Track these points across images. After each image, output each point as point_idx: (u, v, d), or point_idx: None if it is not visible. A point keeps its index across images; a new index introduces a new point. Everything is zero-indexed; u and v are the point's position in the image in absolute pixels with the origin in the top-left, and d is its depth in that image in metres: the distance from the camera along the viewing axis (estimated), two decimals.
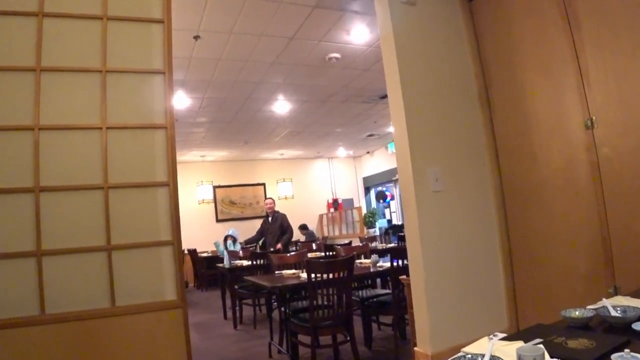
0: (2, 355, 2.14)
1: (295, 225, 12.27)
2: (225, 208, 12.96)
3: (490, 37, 3.38)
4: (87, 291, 2.30)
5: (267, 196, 7.93)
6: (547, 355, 1.18)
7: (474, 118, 3.37)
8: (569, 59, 2.77)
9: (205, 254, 11.04)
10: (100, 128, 2.39)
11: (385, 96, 7.58)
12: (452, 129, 3.27)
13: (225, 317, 6.51)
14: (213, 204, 12.78)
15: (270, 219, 7.85)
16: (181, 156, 11.82)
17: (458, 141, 3.28)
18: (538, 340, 1.39)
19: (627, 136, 2.49)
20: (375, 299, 4.34)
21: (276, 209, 8.11)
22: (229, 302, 6.24)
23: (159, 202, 2.44)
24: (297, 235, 12.15)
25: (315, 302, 3.61)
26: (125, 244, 2.36)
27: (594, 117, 2.65)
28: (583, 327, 1.56)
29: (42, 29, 2.39)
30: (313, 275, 3.52)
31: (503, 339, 1.44)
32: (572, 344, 1.33)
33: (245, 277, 5.34)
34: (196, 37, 5.26)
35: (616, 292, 2.48)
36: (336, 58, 6.31)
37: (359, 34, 5.62)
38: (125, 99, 2.47)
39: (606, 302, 1.62)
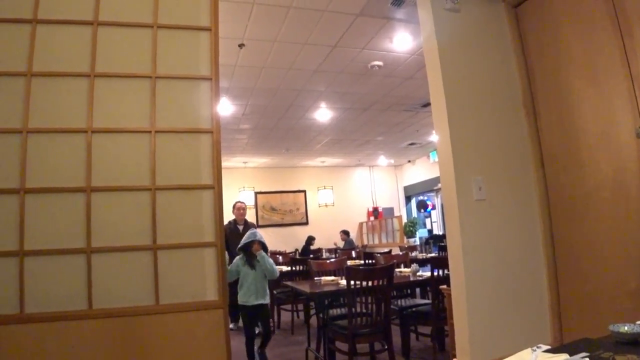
0: (52, 346, 2.23)
1: (337, 230, 12.30)
2: (266, 214, 13.12)
3: (536, 43, 3.31)
4: (133, 288, 2.37)
5: (241, 201, 6.62)
6: None
7: (519, 126, 3.30)
8: (619, 65, 2.68)
9: None
10: (150, 132, 2.48)
11: (427, 104, 7.53)
12: (496, 137, 3.21)
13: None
14: (254, 210, 12.94)
15: (241, 227, 6.17)
16: (224, 162, 11.95)
17: (502, 149, 3.22)
18: (584, 354, 1.35)
19: None
20: (414, 309, 4.29)
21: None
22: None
23: (203, 204, 2.51)
24: (337, 241, 12.15)
25: (353, 309, 3.60)
26: (170, 244, 2.43)
27: None
28: (632, 342, 1.50)
29: (97, 37, 2.50)
30: (352, 283, 3.52)
31: (547, 351, 1.41)
32: (620, 359, 1.29)
33: (284, 282, 5.38)
34: (241, 45, 5.38)
35: None
36: (378, 66, 6.31)
37: (401, 41, 5.62)
38: (173, 104, 2.55)
39: None
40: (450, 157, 3.00)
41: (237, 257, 4.39)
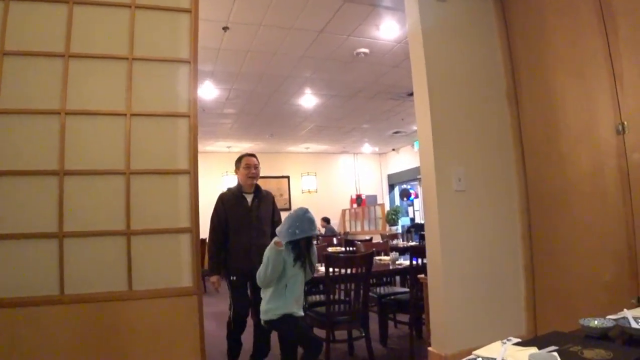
0: (23, 332, 2.20)
1: (320, 217, 12.29)
2: None
3: (522, 36, 3.30)
4: (106, 274, 2.34)
5: (251, 154, 3.94)
6: None
7: (502, 118, 3.30)
8: (603, 61, 2.68)
9: None
10: (125, 115, 2.42)
11: (413, 93, 7.51)
12: (478, 128, 3.21)
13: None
14: None
15: (249, 197, 3.74)
16: (207, 146, 11.94)
17: (484, 141, 3.22)
18: (553, 347, 1.35)
19: None
20: (393, 297, 4.31)
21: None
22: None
23: (179, 189, 2.47)
24: (319, 228, 12.16)
25: (332, 296, 3.61)
26: (145, 230, 2.40)
27: (625, 122, 2.56)
28: (602, 337, 1.51)
29: (73, 16, 2.43)
30: (331, 270, 3.51)
31: (517, 344, 1.41)
32: (589, 354, 1.29)
33: None
34: (225, 29, 5.29)
35: (639, 303, 2.40)
36: (365, 53, 6.26)
37: (388, 29, 5.57)
38: (151, 87, 2.50)
39: (627, 313, 1.57)
40: (430, 147, 2.99)
41: (278, 249, 2.66)
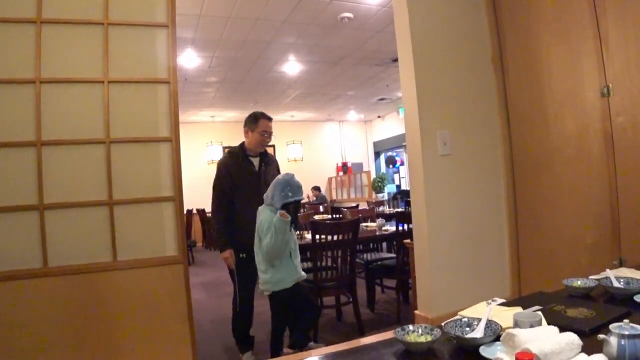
0: (6, 306, 2.17)
1: (306, 185, 12.28)
2: None
3: None
4: (89, 245, 2.31)
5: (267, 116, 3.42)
6: (544, 322, 1.16)
7: (487, 82, 3.28)
8: (588, 23, 2.65)
9: None
10: (102, 82, 2.35)
11: (397, 59, 7.44)
12: (464, 92, 3.18)
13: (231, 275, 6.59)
14: None
15: (255, 160, 3.39)
16: (191, 116, 11.79)
17: (469, 105, 3.20)
18: (537, 307, 1.37)
19: None
20: (379, 263, 4.36)
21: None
22: None
23: (161, 158, 2.43)
24: (309, 196, 12.19)
25: (319, 263, 3.63)
26: (127, 199, 2.36)
27: (610, 85, 2.55)
28: (584, 296, 1.54)
29: None
30: (318, 237, 3.52)
31: (502, 304, 1.42)
32: (572, 312, 1.31)
33: None
34: None
35: (621, 264, 2.44)
36: (349, 18, 6.15)
37: None
38: (128, 53, 2.42)
39: (609, 273, 1.59)
40: (415, 111, 2.97)
41: (285, 220, 2.64)
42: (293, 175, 2.77)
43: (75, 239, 2.29)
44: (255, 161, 3.34)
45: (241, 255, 3.14)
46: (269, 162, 3.43)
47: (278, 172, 3.47)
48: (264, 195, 2.78)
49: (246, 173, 3.26)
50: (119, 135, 2.36)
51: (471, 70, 3.23)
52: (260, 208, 2.80)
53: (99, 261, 2.31)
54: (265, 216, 2.69)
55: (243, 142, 3.38)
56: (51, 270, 2.24)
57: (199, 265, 8.50)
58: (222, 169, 3.26)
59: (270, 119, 3.40)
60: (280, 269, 2.71)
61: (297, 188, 2.76)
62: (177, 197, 2.43)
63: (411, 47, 2.98)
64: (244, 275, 3.17)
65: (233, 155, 3.34)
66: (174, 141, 2.43)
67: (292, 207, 2.73)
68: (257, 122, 3.32)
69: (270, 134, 3.37)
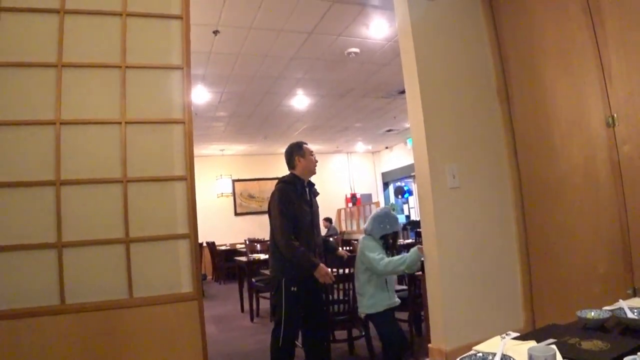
0: (24, 343, 2.20)
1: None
2: (244, 202, 13.05)
3: (510, 31, 3.33)
4: (106, 282, 2.34)
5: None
6: (559, 356, 1.18)
7: (493, 113, 3.33)
8: (591, 55, 2.72)
9: (223, 247, 11.12)
10: (120, 123, 2.43)
11: (404, 91, 7.53)
12: (470, 124, 3.24)
13: (242, 310, 6.56)
14: (232, 198, 12.86)
15: (309, 189, 3.34)
16: (201, 150, 11.92)
17: (476, 137, 3.24)
18: (551, 340, 1.38)
19: None
20: None
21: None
22: (246, 295, 6.28)
23: (176, 195, 2.48)
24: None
25: (331, 296, 3.62)
26: (143, 237, 2.40)
27: (615, 115, 2.59)
28: (598, 328, 1.54)
29: (64, 26, 2.43)
30: (330, 269, 3.53)
31: (516, 338, 1.44)
32: (586, 345, 1.32)
33: (262, 271, 5.38)
34: (215, 32, 5.29)
35: (635, 294, 2.43)
36: (355, 53, 6.28)
37: (378, 28, 5.59)
38: (144, 94, 2.50)
39: (623, 304, 1.60)
40: (424, 144, 3.02)
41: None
42: (390, 209, 3.23)
43: (92, 277, 2.33)
44: (307, 191, 3.31)
45: (292, 288, 3.04)
46: (314, 194, 3.38)
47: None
48: (364, 227, 3.25)
49: (304, 204, 3.18)
50: (136, 174, 2.42)
51: (477, 103, 3.29)
52: (361, 239, 3.23)
53: (116, 298, 2.34)
54: (369, 244, 3.14)
55: (292, 174, 3.29)
56: (68, 307, 2.27)
57: (210, 298, 8.47)
58: (285, 198, 3.10)
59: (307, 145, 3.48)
60: (376, 292, 3.11)
61: (394, 221, 3.21)
62: (193, 234, 2.47)
63: (418, 82, 3.06)
64: (294, 309, 3.07)
65: (290, 183, 3.22)
66: (189, 179, 2.49)
67: (391, 237, 3.19)
68: (301, 148, 3.34)
69: (313, 154, 3.40)
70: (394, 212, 3.17)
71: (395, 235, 3.24)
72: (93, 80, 2.45)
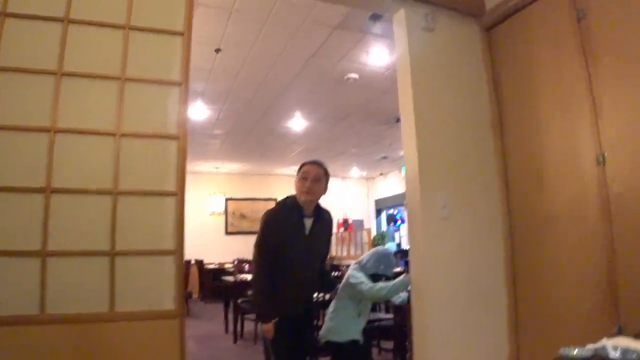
0: (2, 351, 2.15)
1: None
2: (236, 221, 13.00)
3: (507, 66, 3.38)
4: (88, 294, 2.31)
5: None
6: None
7: (487, 146, 3.35)
8: (584, 93, 2.76)
9: (212, 266, 11.04)
10: (115, 134, 2.43)
11: None
12: (464, 156, 3.26)
13: (226, 330, 6.49)
14: (224, 216, 12.82)
15: (308, 220, 2.96)
16: (195, 166, 11.93)
17: (469, 168, 3.26)
18: None
19: (638, 174, 2.46)
20: (376, 323, 4.30)
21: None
22: (231, 315, 6.22)
23: (165, 211, 2.46)
24: None
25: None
26: (129, 251, 2.38)
27: (606, 153, 2.62)
28: None
29: (67, 35, 2.44)
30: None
31: None
32: None
33: (249, 292, 5.33)
34: (217, 50, 5.36)
35: (620, 332, 2.42)
36: (354, 78, 6.36)
37: (378, 56, 5.68)
38: (141, 108, 2.50)
39: (606, 343, 1.59)
40: (416, 173, 3.03)
41: (363, 274, 3.01)
42: (393, 252, 3.18)
43: (75, 288, 2.29)
44: (308, 223, 2.92)
45: (274, 320, 2.82)
46: (323, 225, 3.00)
47: (330, 230, 3.18)
48: (360, 258, 3.13)
49: (296, 237, 2.86)
50: (127, 186, 2.41)
51: (471, 134, 3.31)
52: (351, 267, 3.12)
53: (96, 311, 2.30)
54: (357, 274, 3.05)
55: (293, 196, 2.99)
56: (48, 317, 2.23)
57: (194, 317, 8.38)
58: (270, 224, 2.88)
59: (315, 163, 3.04)
60: (344, 321, 3.00)
61: (390, 265, 3.13)
62: (179, 251, 2.45)
63: (413, 113, 3.09)
64: (279, 343, 2.83)
65: (284, 208, 2.96)
66: (179, 196, 2.48)
67: (381, 279, 3.07)
68: (300, 168, 3.05)
69: (314, 177, 2.93)
70: (394, 259, 3.13)
71: (386, 279, 3.14)
72: (91, 90, 2.45)
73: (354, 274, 3.00)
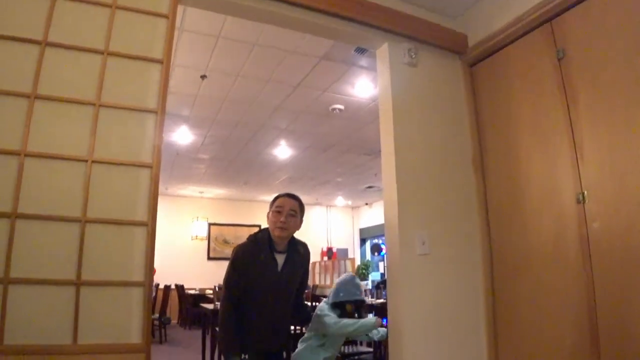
0: None
1: None
2: (218, 246, 12.86)
3: (489, 103, 3.40)
4: (50, 325, 2.20)
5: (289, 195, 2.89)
6: None
7: (467, 182, 3.35)
8: (564, 131, 2.78)
9: (192, 291, 10.85)
10: (86, 161, 2.37)
11: None
12: (444, 191, 3.25)
13: (203, 359, 6.32)
14: (206, 242, 12.66)
15: (277, 252, 2.79)
16: (179, 190, 11.83)
17: (449, 204, 3.25)
18: None
19: (618, 213, 2.46)
20: (357, 357, 4.22)
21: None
22: (209, 344, 6.07)
23: (135, 241, 2.38)
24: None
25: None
26: (96, 281, 2.29)
27: (585, 192, 2.63)
28: None
29: (44, 57, 2.40)
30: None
31: None
32: None
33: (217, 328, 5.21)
34: (203, 77, 5.35)
35: None
36: (340, 109, 6.39)
37: (363, 88, 5.72)
38: (115, 135, 2.45)
39: None
40: (395, 208, 3.00)
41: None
42: (354, 276, 2.92)
43: (36, 318, 2.19)
44: (280, 259, 2.77)
45: (243, 356, 2.69)
46: (296, 258, 2.85)
47: (307, 265, 3.04)
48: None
49: (266, 273, 2.72)
50: (96, 214, 2.33)
51: (452, 170, 3.31)
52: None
53: (58, 343, 2.20)
54: (323, 307, 2.84)
55: (266, 229, 2.84)
56: (6, 348, 2.13)
57: (171, 343, 8.19)
58: (238, 263, 2.76)
59: (291, 196, 2.88)
60: (304, 351, 2.79)
61: (352, 289, 2.83)
62: (147, 282, 2.37)
63: (393, 146, 3.08)
64: None
65: (254, 245, 2.79)
66: (150, 226, 2.41)
67: (351, 307, 2.80)
68: (274, 200, 2.87)
69: (290, 211, 2.77)
70: (357, 281, 2.87)
71: (357, 306, 2.83)
72: (65, 114, 2.39)
73: (321, 306, 2.90)
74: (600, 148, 2.59)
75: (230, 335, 2.66)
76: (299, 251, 2.90)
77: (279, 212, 2.76)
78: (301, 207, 2.87)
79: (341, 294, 2.82)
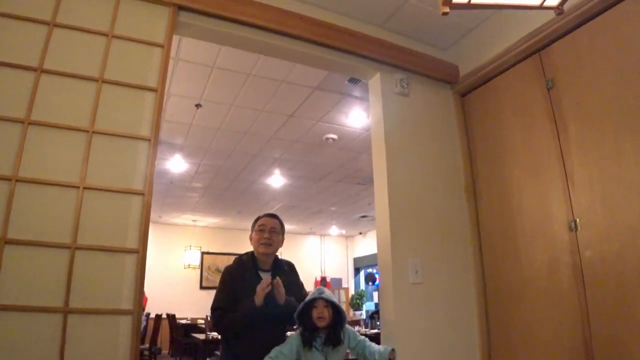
0: None
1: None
2: (211, 275, 12.72)
3: (480, 132, 3.44)
4: (35, 355, 2.16)
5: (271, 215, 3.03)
6: None
7: (460, 211, 3.36)
8: (555, 160, 2.81)
9: (184, 321, 10.69)
10: (78, 187, 2.36)
11: None
12: (437, 219, 3.25)
13: None
14: (199, 270, 12.53)
15: (262, 270, 2.86)
16: (173, 218, 11.77)
17: (442, 232, 3.25)
18: None
19: (610, 240, 2.47)
20: None
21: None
22: None
23: (125, 268, 2.36)
24: None
25: None
26: (83, 309, 2.25)
27: (577, 220, 2.64)
28: None
29: (39, 84, 2.42)
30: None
31: None
32: None
33: (216, 352, 5.13)
34: (198, 106, 5.38)
35: None
36: (333, 139, 6.43)
37: (356, 117, 5.77)
38: (107, 161, 2.45)
39: None
40: (388, 237, 3.00)
41: (294, 334, 2.63)
42: (323, 291, 2.70)
43: (22, 347, 2.15)
44: (266, 277, 2.74)
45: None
46: (282, 277, 2.76)
47: (297, 278, 3.02)
48: None
49: (251, 288, 2.66)
50: (86, 241, 2.31)
51: (445, 198, 3.32)
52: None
53: None
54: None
55: (251, 252, 2.91)
56: None
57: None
58: (225, 282, 2.78)
59: (272, 216, 2.97)
60: None
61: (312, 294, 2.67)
62: (136, 311, 2.34)
63: (386, 175, 3.10)
64: None
65: (240, 265, 2.84)
66: (141, 253, 2.39)
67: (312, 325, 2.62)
68: (256, 221, 2.97)
69: (271, 229, 2.85)
70: (324, 292, 2.66)
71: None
72: (58, 141, 2.39)
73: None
74: (590, 176, 2.61)
75: (234, 317, 2.63)
76: (283, 269, 2.94)
77: (261, 230, 2.85)
78: (282, 226, 2.97)
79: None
